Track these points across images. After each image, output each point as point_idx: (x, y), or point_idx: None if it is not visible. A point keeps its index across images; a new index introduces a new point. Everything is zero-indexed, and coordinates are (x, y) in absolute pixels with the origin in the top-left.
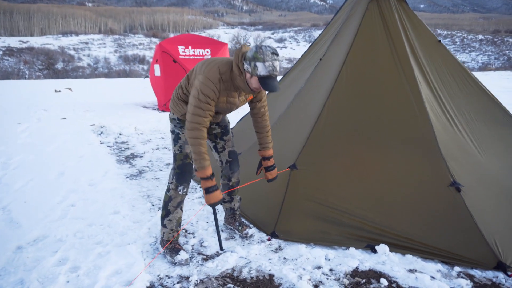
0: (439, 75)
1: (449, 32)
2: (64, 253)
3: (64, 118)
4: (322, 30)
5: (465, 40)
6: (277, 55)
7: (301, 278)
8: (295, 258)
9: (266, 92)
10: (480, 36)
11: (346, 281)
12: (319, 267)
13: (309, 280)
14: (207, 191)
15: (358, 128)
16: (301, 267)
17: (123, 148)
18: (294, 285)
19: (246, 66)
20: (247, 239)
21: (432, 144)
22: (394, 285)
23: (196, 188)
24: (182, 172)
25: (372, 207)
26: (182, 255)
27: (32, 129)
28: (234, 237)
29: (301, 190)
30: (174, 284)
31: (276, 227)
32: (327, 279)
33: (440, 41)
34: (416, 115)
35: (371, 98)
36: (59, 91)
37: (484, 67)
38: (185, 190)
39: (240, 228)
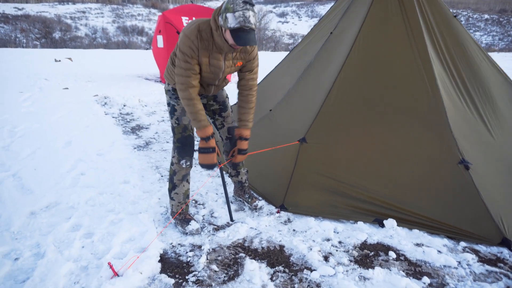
0: (454, 51)
1: (454, 11)
2: (78, 220)
3: (66, 88)
4: (325, 5)
5: (470, 19)
6: (251, 4)
7: (311, 249)
8: (305, 231)
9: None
10: (486, 16)
11: (355, 253)
12: (328, 239)
13: (319, 251)
14: (200, 151)
15: (368, 103)
16: (311, 239)
17: (128, 120)
18: (305, 255)
19: (220, 19)
20: (256, 211)
21: (442, 121)
22: (402, 257)
23: None
24: (183, 145)
25: (381, 181)
26: (193, 225)
27: (35, 98)
28: (244, 209)
29: (310, 163)
30: (187, 252)
31: (285, 200)
32: (337, 250)
33: (456, 16)
34: (427, 92)
35: (383, 73)
36: (59, 60)
37: (488, 48)
38: (188, 163)
39: (249, 200)
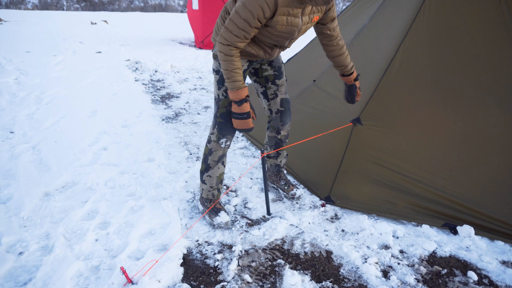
0: None
1: None
2: (94, 205)
3: (99, 52)
4: None
5: None
6: None
7: (366, 260)
8: (356, 232)
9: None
10: None
11: (423, 270)
12: (386, 247)
13: (376, 263)
14: (234, 116)
15: (440, 78)
16: (365, 245)
17: (158, 87)
18: (358, 268)
19: None
20: (297, 203)
21: None
22: (485, 280)
23: (237, 137)
24: (226, 122)
25: (454, 177)
26: (223, 217)
27: (67, 62)
28: (282, 199)
29: (365, 149)
30: (214, 254)
31: (331, 190)
32: (399, 264)
33: None
34: None
35: (460, 40)
36: (95, 23)
37: None
38: (228, 143)
39: (286, 187)
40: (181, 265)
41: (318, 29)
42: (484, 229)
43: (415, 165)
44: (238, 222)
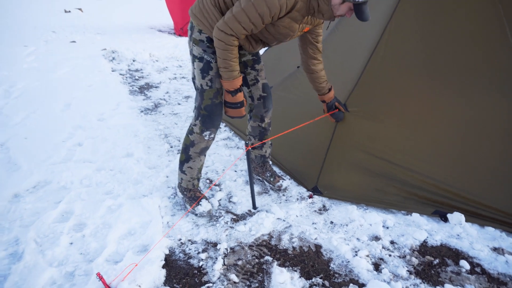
0: None
1: None
2: (68, 205)
3: (74, 42)
4: None
5: None
6: None
7: (356, 253)
8: (345, 224)
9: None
10: None
11: (415, 260)
12: (377, 238)
13: (367, 256)
14: (227, 105)
15: (429, 62)
16: (354, 237)
17: (136, 77)
18: (349, 261)
19: None
20: (283, 195)
21: None
22: (478, 269)
23: (220, 127)
24: (211, 114)
25: (443, 164)
26: (204, 206)
27: (39, 53)
28: (268, 191)
29: (352, 137)
30: (198, 253)
31: (318, 181)
32: (390, 255)
33: None
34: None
35: (449, 23)
36: (69, 11)
37: None
38: (212, 135)
39: (271, 179)
40: (163, 266)
41: (304, 38)
42: (475, 216)
43: (403, 152)
44: (222, 217)
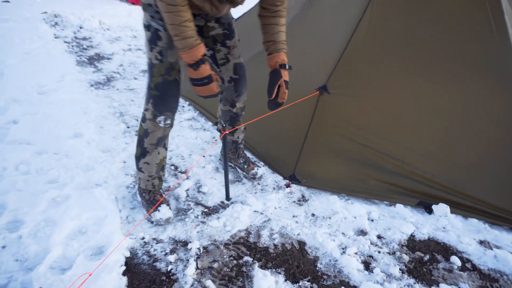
0: None
1: None
2: (0, 198)
3: (7, 1)
4: None
5: None
6: None
7: (344, 250)
8: (328, 216)
9: None
10: None
11: (405, 257)
12: (363, 232)
13: (356, 254)
14: (193, 83)
15: (413, 42)
16: (339, 231)
17: (85, 46)
18: (337, 260)
19: None
20: (258, 184)
21: None
22: (468, 265)
23: (183, 106)
24: (164, 95)
25: (428, 152)
26: (163, 212)
27: None
28: (241, 180)
29: (332, 121)
30: (166, 254)
31: (296, 168)
32: (379, 252)
33: None
34: (495, 41)
35: (433, 2)
36: None
37: None
38: (168, 121)
39: (245, 166)
40: (124, 273)
41: None
42: (458, 207)
43: (387, 138)
44: (192, 210)
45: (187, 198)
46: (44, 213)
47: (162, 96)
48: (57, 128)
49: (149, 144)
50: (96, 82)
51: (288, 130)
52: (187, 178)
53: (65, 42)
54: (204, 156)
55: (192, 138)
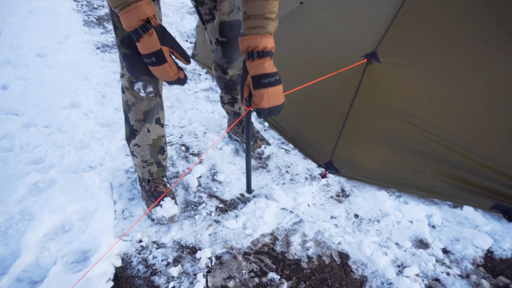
0: None
1: None
2: None
3: None
4: None
5: None
6: None
7: (400, 269)
8: (376, 219)
9: None
10: None
11: (486, 284)
12: (423, 243)
13: (417, 276)
14: (146, 60)
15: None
16: (392, 240)
17: (95, 5)
18: (391, 283)
19: None
20: (287, 172)
21: None
22: None
23: (200, 75)
24: (135, 52)
25: (507, 141)
26: (167, 208)
27: None
28: (265, 166)
29: (381, 97)
30: (168, 265)
31: (334, 154)
32: (448, 274)
33: None
34: None
35: None
36: None
37: None
38: (149, 89)
39: (252, 143)
40: None
41: None
42: None
43: (452, 121)
44: (204, 205)
45: (199, 188)
46: (20, 203)
47: (133, 54)
48: (52, 96)
49: (135, 120)
50: (103, 44)
51: (325, 106)
52: (200, 163)
53: (74, 0)
54: (223, 137)
55: (209, 112)
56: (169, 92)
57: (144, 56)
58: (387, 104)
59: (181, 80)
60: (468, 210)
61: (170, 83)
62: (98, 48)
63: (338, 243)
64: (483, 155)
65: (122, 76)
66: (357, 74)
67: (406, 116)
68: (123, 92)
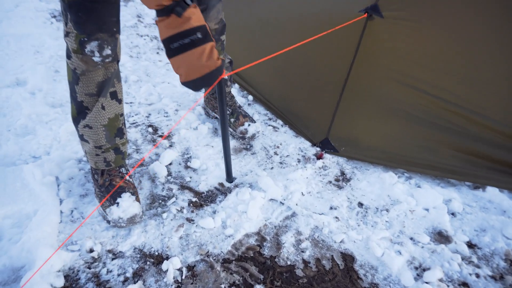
0: None
1: None
2: None
3: None
4: None
5: None
6: None
7: (419, 273)
8: (385, 208)
9: None
10: None
11: None
12: (443, 236)
13: (441, 281)
14: (172, 47)
15: None
16: (406, 235)
17: None
18: None
19: None
20: (275, 154)
21: None
22: None
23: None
24: (80, 3)
25: None
26: (125, 206)
27: None
28: (250, 147)
29: (385, 59)
30: (126, 281)
31: (331, 129)
32: (477, 276)
33: None
34: None
35: None
36: None
37: None
38: (107, 51)
39: (232, 120)
40: None
41: None
42: None
43: (468, 86)
44: (174, 200)
45: (168, 178)
46: None
47: (83, 2)
48: None
49: (85, 94)
50: (60, 12)
51: (319, 74)
52: (170, 147)
53: None
54: (193, 109)
55: (181, 85)
56: (136, 65)
57: (176, 38)
58: (392, 68)
59: (216, 77)
60: (492, 191)
61: (205, 82)
62: (54, 16)
63: (341, 242)
64: (510, 125)
65: (66, 35)
66: (355, 32)
67: (416, 82)
68: (68, 57)
